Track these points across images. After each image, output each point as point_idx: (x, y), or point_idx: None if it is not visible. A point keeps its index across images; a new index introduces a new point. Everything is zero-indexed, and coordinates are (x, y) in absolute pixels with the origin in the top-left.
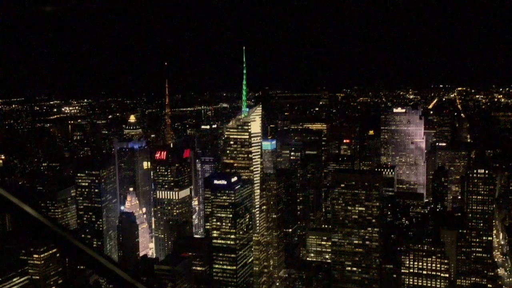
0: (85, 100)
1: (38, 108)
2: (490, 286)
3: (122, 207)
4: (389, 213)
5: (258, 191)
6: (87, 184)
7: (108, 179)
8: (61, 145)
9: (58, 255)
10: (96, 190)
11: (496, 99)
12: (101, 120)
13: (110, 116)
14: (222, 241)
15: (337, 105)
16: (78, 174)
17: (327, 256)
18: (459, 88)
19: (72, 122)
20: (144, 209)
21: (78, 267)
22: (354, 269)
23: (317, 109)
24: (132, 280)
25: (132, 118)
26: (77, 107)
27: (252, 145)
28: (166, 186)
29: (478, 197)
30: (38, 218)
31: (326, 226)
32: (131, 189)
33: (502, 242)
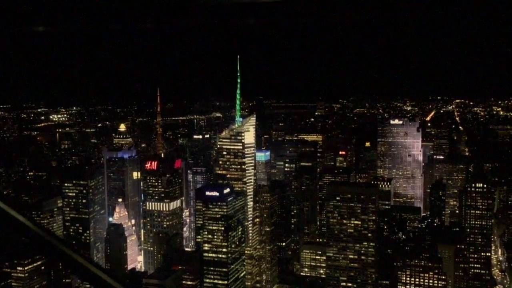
0: (74, 107)
1: (25, 116)
2: None
3: (110, 219)
4: (385, 227)
5: (251, 203)
6: (74, 194)
7: (96, 189)
8: (48, 153)
9: (42, 267)
10: (84, 201)
11: (494, 112)
12: (90, 129)
13: (99, 125)
14: (214, 255)
15: (333, 116)
16: (66, 184)
17: (321, 271)
18: (457, 100)
19: (60, 130)
20: (133, 221)
21: (64, 280)
22: (349, 284)
23: (312, 119)
24: None
25: (122, 127)
26: (65, 115)
27: (246, 156)
28: (156, 197)
29: (476, 211)
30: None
31: (320, 240)
32: (120, 200)
33: (501, 258)
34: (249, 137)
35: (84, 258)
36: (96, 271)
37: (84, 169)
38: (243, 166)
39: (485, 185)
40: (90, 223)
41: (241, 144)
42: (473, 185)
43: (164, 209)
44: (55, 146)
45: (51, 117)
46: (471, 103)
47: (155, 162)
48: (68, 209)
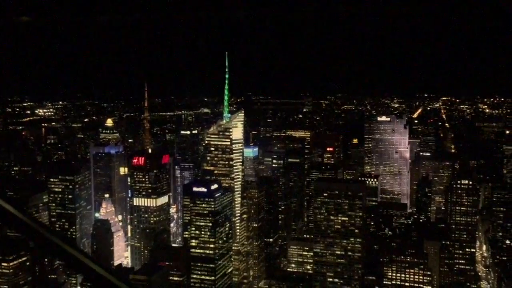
0: (60, 102)
1: (10, 110)
2: None
3: (96, 214)
4: (372, 223)
5: (239, 199)
6: (60, 189)
7: (83, 185)
8: (33, 148)
9: (28, 263)
10: (70, 196)
11: (480, 110)
12: (77, 124)
13: (86, 120)
14: (201, 251)
15: (320, 113)
16: (51, 179)
17: (308, 267)
18: (444, 98)
19: (45, 125)
20: (120, 217)
21: (49, 276)
22: (336, 280)
23: (300, 116)
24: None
25: (109, 122)
26: (51, 110)
27: (234, 151)
28: (144, 193)
29: (462, 208)
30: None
31: (308, 236)
32: (106, 195)
33: (485, 254)
34: (237, 133)
35: (76, 249)
36: (89, 263)
37: (70, 164)
38: (231, 162)
39: (470, 182)
40: (76, 219)
41: (229, 140)
42: (459, 182)
43: (151, 205)
44: (41, 141)
45: (36, 111)
46: (458, 100)
47: (143, 158)
48: (54, 204)
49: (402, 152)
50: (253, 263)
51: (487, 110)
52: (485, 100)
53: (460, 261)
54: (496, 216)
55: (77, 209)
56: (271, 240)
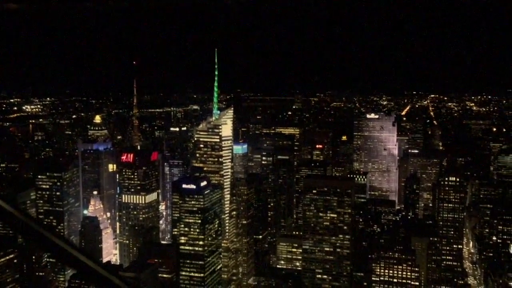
0: (48, 98)
1: None
2: None
3: (85, 211)
4: (360, 220)
5: (228, 196)
6: (48, 186)
7: (71, 182)
8: (21, 145)
9: (15, 261)
10: (58, 193)
11: (468, 107)
12: (65, 120)
13: (74, 116)
14: (190, 248)
15: (310, 110)
16: (39, 176)
17: (297, 264)
18: (432, 96)
19: (33, 121)
20: (108, 214)
21: (37, 273)
22: (325, 276)
23: (289, 113)
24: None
25: (97, 119)
26: (39, 106)
27: (223, 148)
28: (132, 189)
29: (449, 205)
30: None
31: (297, 233)
32: (95, 192)
33: (472, 251)
34: (227, 130)
35: (66, 242)
36: (79, 256)
37: (58, 161)
38: (220, 159)
39: (457, 179)
40: (64, 216)
41: (218, 137)
42: (446, 179)
43: (140, 202)
44: (28, 137)
45: (24, 107)
46: (446, 98)
47: (131, 155)
48: (41, 201)
49: (390, 149)
50: (242, 260)
51: (474, 108)
52: (473, 98)
53: (448, 257)
54: (483, 213)
55: (65, 206)
56: (260, 237)
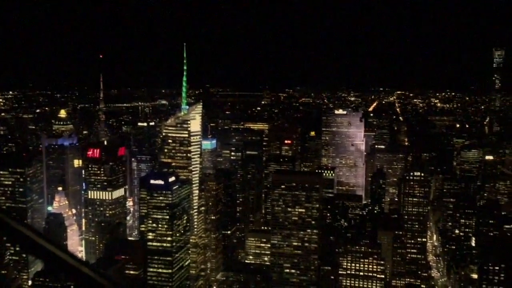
0: (10, 92)
1: None
2: (424, 286)
3: (49, 208)
4: (328, 214)
5: (197, 191)
6: (10, 182)
7: (35, 178)
8: None
9: None
10: (21, 189)
11: (432, 104)
12: (28, 114)
13: (37, 110)
14: (158, 244)
15: (279, 105)
16: (1, 172)
17: (266, 258)
18: (398, 92)
19: None
20: (74, 210)
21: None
22: (293, 271)
23: (259, 108)
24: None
25: (62, 113)
26: (1, 100)
27: (192, 144)
28: (99, 185)
29: (414, 199)
30: None
31: (265, 227)
32: (60, 188)
33: (436, 244)
34: (195, 125)
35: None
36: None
37: (21, 156)
38: (188, 155)
39: (422, 174)
40: (28, 213)
41: (187, 132)
42: (411, 173)
43: (107, 198)
44: None
45: None
46: (411, 94)
47: (98, 150)
48: (4, 198)
49: (357, 145)
50: (211, 255)
51: (439, 104)
52: (437, 94)
53: (412, 251)
54: (446, 207)
55: (28, 202)
56: (229, 232)
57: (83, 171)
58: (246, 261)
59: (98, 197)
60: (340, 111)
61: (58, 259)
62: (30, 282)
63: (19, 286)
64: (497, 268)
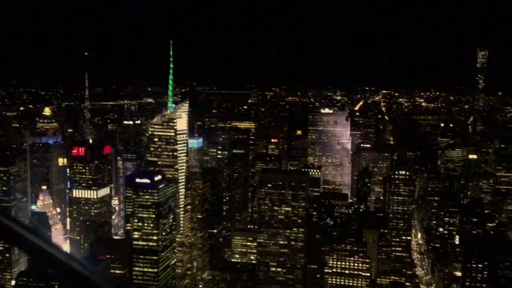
0: None
1: None
2: (408, 284)
3: (33, 207)
4: (314, 213)
5: (183, 190)
6: None
7: (18, 176)
8: None
9: None
10: (4, 188)
11: (417, 103)
12: (12, 112)
13: (21, 108)
14: (144, 243)
15: (265, 104)
16: None
17: (252, 257)
18: (383, 91)
19: None
20: (58, 209)
21: None
22: (279, 269)
23: (245, 107)
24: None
25: (46, 111)
26: None
27: (178, 142)
28: (84, 184)
29: (399, 197)
30: None
31: (252, 226)
32: (44, 187)
33: (420, 242)
34: (182, 123)
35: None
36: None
37: (4, 154)
38: (175, 153)
39: (407, 173)
40: (11, 212)
41: (173, 130)
42: (396, 172)
43: (92, 197)
44: None
45: None
46: (397, 94)
47: (83, 148)
48: None
49: (344, 144)
50: (197, 254)
51: (423, 104)
52: (422, 94)
53: (397, 249)
54: (430, 205)
55: (11, 201)
56: (215, 231)
57: (67, 169)
58: (233, 259)
59: (83, 196)
60: (327, 110)
61: (48, 254)
62: (13, 282)
63: (2, 286)
64: (480, 265)
